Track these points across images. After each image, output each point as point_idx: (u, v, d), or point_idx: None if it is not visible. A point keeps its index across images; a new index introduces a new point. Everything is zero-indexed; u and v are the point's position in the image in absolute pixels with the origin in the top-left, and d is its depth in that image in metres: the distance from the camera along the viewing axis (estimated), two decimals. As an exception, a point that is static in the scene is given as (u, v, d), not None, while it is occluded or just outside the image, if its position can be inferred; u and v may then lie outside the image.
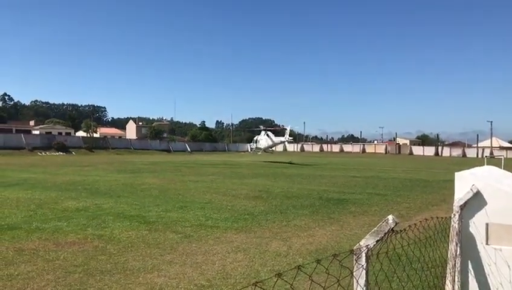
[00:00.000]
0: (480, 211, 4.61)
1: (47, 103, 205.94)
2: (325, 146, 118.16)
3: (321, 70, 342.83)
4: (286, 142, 64.86)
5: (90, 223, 10.46)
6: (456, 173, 4.82)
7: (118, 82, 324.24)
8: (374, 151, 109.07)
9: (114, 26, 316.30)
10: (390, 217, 2.54)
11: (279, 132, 59.93)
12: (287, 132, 54.87)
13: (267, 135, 55.56)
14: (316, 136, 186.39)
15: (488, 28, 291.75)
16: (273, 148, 59.85)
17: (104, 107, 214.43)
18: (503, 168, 6.74)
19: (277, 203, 14.45)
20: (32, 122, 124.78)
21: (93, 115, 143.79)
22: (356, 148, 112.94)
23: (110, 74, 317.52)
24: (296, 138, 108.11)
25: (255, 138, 59.07)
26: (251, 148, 61.76)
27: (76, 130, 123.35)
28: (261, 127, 61.22)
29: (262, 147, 56.24)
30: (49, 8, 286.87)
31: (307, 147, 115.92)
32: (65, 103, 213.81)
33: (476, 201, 4.59)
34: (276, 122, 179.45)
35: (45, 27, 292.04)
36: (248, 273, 6.70)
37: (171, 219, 11.21)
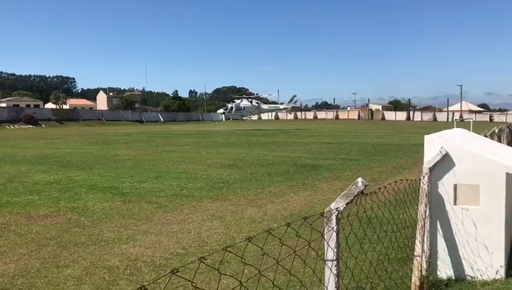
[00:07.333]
0: (448, 172, 4.72)
1: (13, 74, 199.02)
2: (299, 114, 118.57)
3: (293, 38, 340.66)
4: (288, 109, 67.08)
5: (62, 196, 10.30)
6: (425, 136, 4.89)
7: (86, 52, 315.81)
8: (347, 117, 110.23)
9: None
10: (359, 179, 2.57)
11: (263, 100, 61.89)
12: (293, 100, 57.19)
13: (257, 103, 56.34)
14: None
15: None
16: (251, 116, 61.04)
17: (73, 78, 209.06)
18: (472, 131, 6.90)
19: (252, 171, 14.51)
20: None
21: (62, 86, 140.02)
22: (330, 114, 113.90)
23: (78, 43, 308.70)
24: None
25: (232, 105, 58.76)
26: (227, 116, 61.16)
27: (45, 102, 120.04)
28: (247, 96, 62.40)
29: (244, 113, 56.98)
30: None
31: (281, 115, 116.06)
32: (32, 75, 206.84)
33: (445, 163, 4.69)
34: (250, 91, 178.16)
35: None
36: (224, 240, 6.75)
37: (146, 190, 11.14)
